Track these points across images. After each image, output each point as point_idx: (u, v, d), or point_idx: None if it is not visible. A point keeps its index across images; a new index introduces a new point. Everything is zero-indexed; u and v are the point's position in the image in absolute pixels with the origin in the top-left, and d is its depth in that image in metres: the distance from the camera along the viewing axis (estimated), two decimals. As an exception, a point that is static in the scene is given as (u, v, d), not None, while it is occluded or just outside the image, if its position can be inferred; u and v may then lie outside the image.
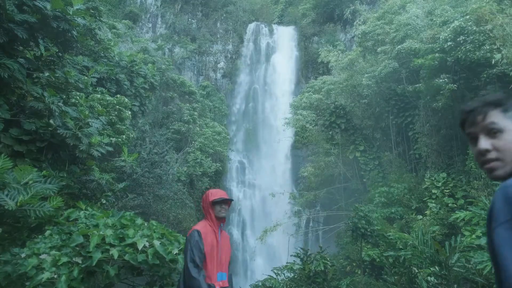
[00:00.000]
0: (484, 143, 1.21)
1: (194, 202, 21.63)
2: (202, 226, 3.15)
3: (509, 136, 1.18)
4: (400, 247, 5.72)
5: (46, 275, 3.24)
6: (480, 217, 4.27)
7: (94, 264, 3.41)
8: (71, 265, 3.41)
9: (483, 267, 3.72)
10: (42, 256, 3.39)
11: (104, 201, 7.28)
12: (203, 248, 2.96)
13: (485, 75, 14.06)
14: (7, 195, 3.88)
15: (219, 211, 3.16)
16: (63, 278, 3.26)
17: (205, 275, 2.93)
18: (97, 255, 3.43)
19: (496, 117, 1.21)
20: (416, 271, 4.18)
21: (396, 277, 5.14)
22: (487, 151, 1.20)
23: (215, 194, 3.23)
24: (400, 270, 5.30)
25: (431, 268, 4.15)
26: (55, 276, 3.30)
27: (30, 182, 4.16)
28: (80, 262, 3.45)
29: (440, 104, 14.81)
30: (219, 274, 3.03)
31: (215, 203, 3.16)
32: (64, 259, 3.39)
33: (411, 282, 4.43)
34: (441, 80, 14.34)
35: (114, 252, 3.45)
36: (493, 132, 1.20)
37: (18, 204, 3.86)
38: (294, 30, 35.10)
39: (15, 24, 5.46)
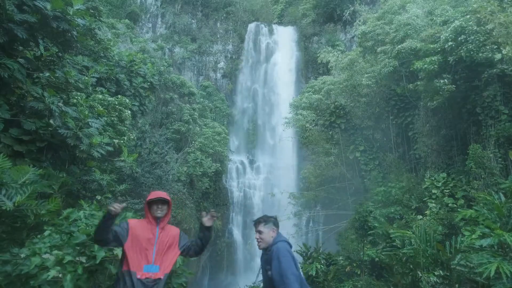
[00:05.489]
0: (256, 235, 3.42)
1: (194, 202, 21.61)
2: (136, 220, 3.47)
3: (264, 233, 3.39)
4: (398, 246, 5.72)
5: (52, 273, 3.25)
6: (484, 215, 4.26)
7: (97, 262, 3.42)
8: (75, 263, 3.42)
9: (483, 270, 3.71)
10: (45, 256, 3.38)
11: (99, 197, 7.27)
12: (119, 228, 3.23)
13: (486, 75, 14.05)
14: (4, 195, 3.87)
15: (155, 210, 3.37)
16: (69, 276, 3.27)
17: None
18: (101, 254, 3.45)
19: (260, 227, 3.42)
20: (420, 274, 4.16)
21: (398, 277, 5.13)
22: (257, 239, 3.42)
23: (152, 194, 3.44)
24: (401, 270, 5.28)
25: (435, 273, 4.14)
26: (60, 275, 3.30)
27: (27, 181, 4.15)
28: (84, 261, 3.45)
29: (435, 103, 14.80)
30: (146, 266, 3.25)
31: (151, 203, 3.38)
32: (69, 258, 3.40)
33: (414, 285, 4.40)
34: (441, 81, 14.33)
35: (118, 251, 3.46)
36: (259, 231, 3.41)
37: (16, 204, 3.85)
38: (294, 30, 35.09)
39: (15, 24, 5.45)
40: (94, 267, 3.52)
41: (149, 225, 3.36)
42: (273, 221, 3.43)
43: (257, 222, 3.44)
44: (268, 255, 3.30)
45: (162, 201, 3.39)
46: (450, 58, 14.36)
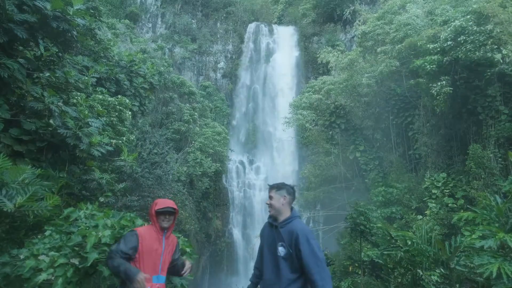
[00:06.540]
0: (267, 201, 3.26)
1: (194, 203, 21.61)
2: (144, 229, 3.33)
3: (274, 199, 3.22)
4: (400, 245, 5.72)
5: (43, 276, 3.21)
6: (483, 216, 4.24)
7: (89, 264, 3.36)
8: (68, 266, 3.38)
9: (484, 271, 3.70)
10: (41, 257, 3.35)
11: (102, 199, 7.27)
12: (130, 247, 3.13)
13: (488, 74, 14.05)
14: (5, 196, 3.85)
15: (162, 220, 3.29)
16: (60, 280, 3.23)
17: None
18: (93, 256, 3.38)
19: (271, 192, 3.26)
20: (421, 273, 4.16)
21: (398, 278, 5.12)
22: (268, 204, 3.27)
23: (160, 204, 3.32)
24: (401, 271, 5.28)
25: (437, 271, 4.13)
26: (52, 277, 3.27)
27: (26, 181, 4.13)
28: (77, 263, 3.40)
29: (438, 109, 14.85)
30: (155, 277, 3.21)
31: (159, 213, 3.28)
32: (61, 260, 3.35)
33: (415, 284, 4.41)
34: (439, 83, 14.35)
35: None
36: (270, 197, 3.25)
37: (17, 205, 3.83)
38: (294, 30, 35.08)
39: (15, 24, 5.45)
40: (92, 269, 3.49)
41: (156, 234, 3.30)
42: (287, 188, 3.26)
43: (270, 188, 3.30)
44: (283, 230, 3.10)
45: (170, 212, 3.31)
46: (447, 58, 14.37)
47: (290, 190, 3.28)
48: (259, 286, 3.39)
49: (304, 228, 3.10)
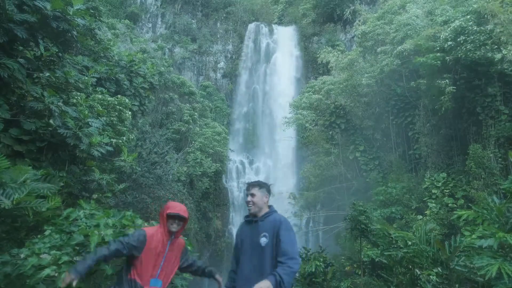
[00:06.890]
0: (248, 198, 3.25)
1: (194, 203, 21.61)
2: (153, 230, 3.29)
3: (257, 197, 3.22)
4: (401, 246, 5.74)
5: (46, 272, 3.24)
6: (483, 216, 4.23)
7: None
8: (72, 263, 3.40)
9: (485, 272, 3.69)
10: (43, 256, 3.37)
11: (95, 196, 7.28)
12: (134, 245, 3.12)
13: (491, 71, 14.05)
14: (2, 194, 3.85)
15: (171, 224, 3.25)
16: (63, 275, 3.25)
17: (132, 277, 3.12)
18: None
19: (253, 190, 3.24)
20: (419, 272, 4.17)
21: (400, 277, 5.13)
22: (248, 202, 3.23)
23: (173, 207, 3.29)
24: (401, 270, 5.29)
25: (434, 270, 4.13)
26: (56, 274, 3.28)
27: (28, 181, 4.14)
28: None
29: (444, 108, 14.78)
30: (153, 280, 3.15)
31: (169, 216, 3.25)
32: (65, 258, 3.37)
33: (413, 284, 4.42)
34: (443, 82, 14.31)
35: None
36: (252, 195, 3.23)
37: (14, 202, 3.83)
38: (294, 30, 35.08)
39: (15, 24, 5.45)
40: (94, 267, 3.50)
41: (162, 237, 3.26)
42: (267, 187, 3.33)
43: (250, 185, 3.31)
44: (265, 222, 3.18)
45: (180, 218, 3.27)
46: (448, 58, 14.37)
47: (269, 188, 3.39)
48: None
49: (286, 219, 3.25)
